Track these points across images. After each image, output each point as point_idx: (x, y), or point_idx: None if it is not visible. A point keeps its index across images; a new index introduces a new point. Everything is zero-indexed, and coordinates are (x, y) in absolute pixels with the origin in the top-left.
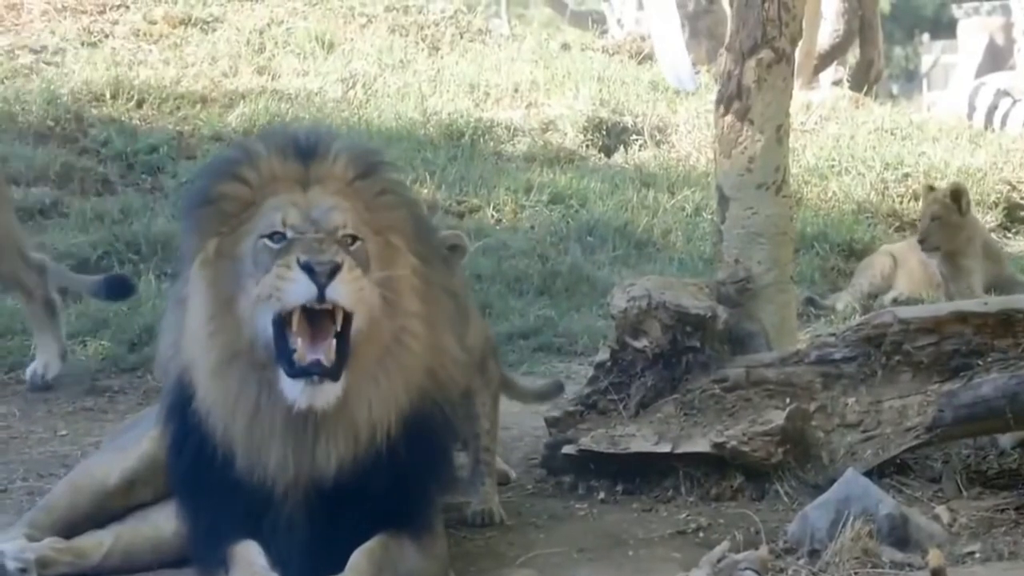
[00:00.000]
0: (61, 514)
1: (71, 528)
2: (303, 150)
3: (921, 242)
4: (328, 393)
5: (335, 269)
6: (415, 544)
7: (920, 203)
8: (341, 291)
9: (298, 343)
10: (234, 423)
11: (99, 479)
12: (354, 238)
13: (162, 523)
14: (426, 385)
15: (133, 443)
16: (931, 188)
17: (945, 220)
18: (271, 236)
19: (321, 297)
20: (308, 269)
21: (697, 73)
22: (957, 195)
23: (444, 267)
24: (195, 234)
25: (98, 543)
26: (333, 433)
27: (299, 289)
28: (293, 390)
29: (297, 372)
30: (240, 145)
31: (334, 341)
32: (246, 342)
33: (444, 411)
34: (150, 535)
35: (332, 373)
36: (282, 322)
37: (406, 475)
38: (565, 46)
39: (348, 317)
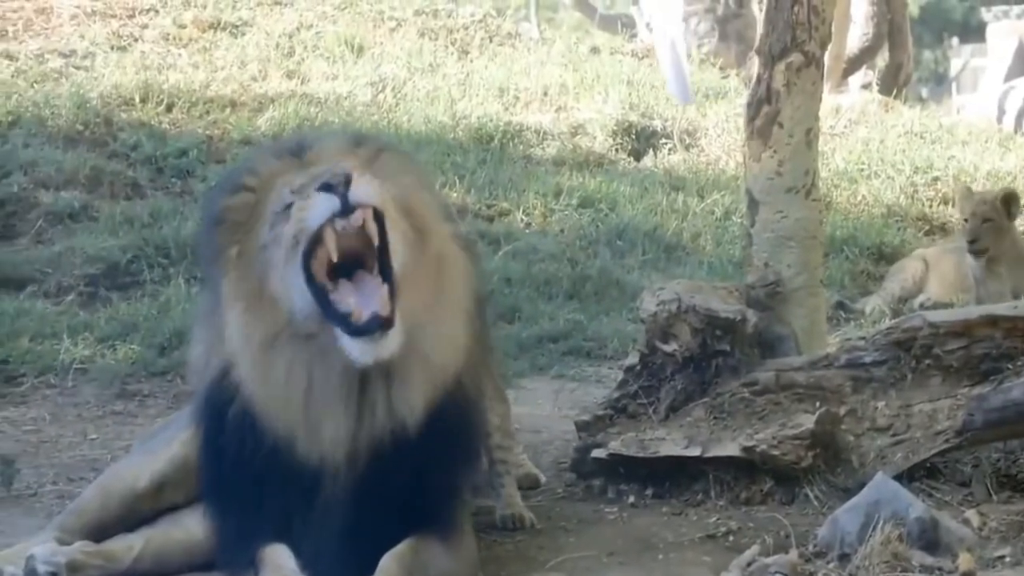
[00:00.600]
0: (91, 518)
1: (101, 532)
2: (297, 146)
3: (971, 243)
4: (391, 341)
5: (349, 177)
6: (445, 546)
7: (958, 204)
8: (363, 191)
9: (350, 302)
10: (289, 401)
11: (129, 482)
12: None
13: (193, 527)
14: (473, 326)
15: (163, 446)
16: (969, 190)
17: (996, 223)
18: (284, 207)
19: (346, 205)
20: (325, 188)
21: (725, 77)
22: (1008, 200)
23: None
24: (215, 252)
25: (128, 547)
26: (405, 378)
27: (321, 206)
28: (356, 349)
29: (358, 331)
30: (241, 160)
31: (384, 287)
32: (284, 318)
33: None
34: (180, 538)
35: (390, 320)
36: (322, 290)
37: (448, 447)
38: (594, 50)
39: (385, 249)
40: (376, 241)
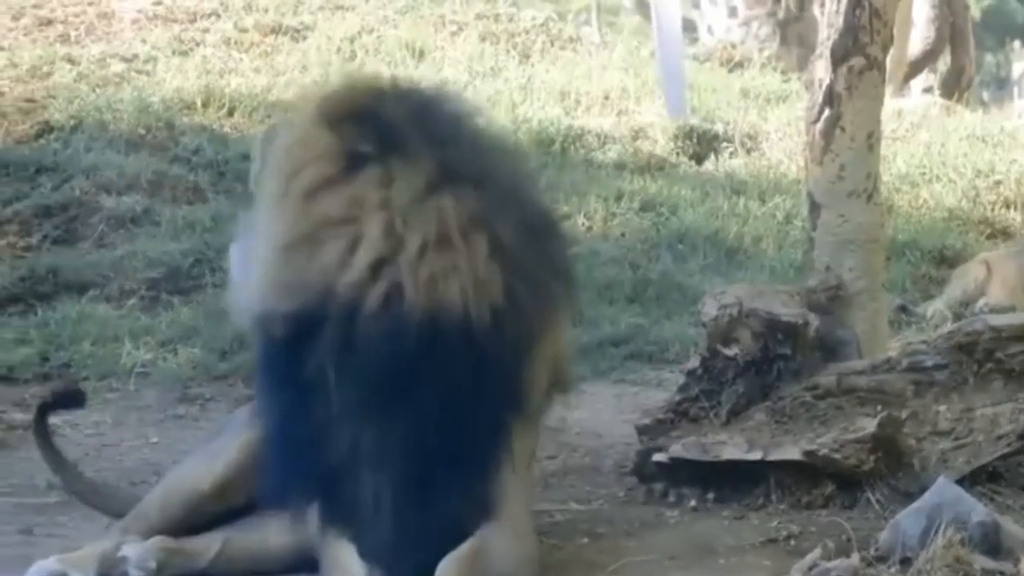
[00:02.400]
0: (153, 521)
1: (164, 535)
2: None
3: None
4: None
5: None
6: (506, 546)
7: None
8: None
9: None
10: None
11: (190, 486)
12: None
13: (270, 535)
14: None
15: (223, 450)
16: None
17: None
18: None
19: None
20: None
21: (786, 81)
22: None
23: None
24: None
25: (207, 547)
26: None
27: None
28: None
29: None
30: None
31: None
32: None
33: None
34: (255, 545)
35: None
36: None
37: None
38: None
39: None
40: None
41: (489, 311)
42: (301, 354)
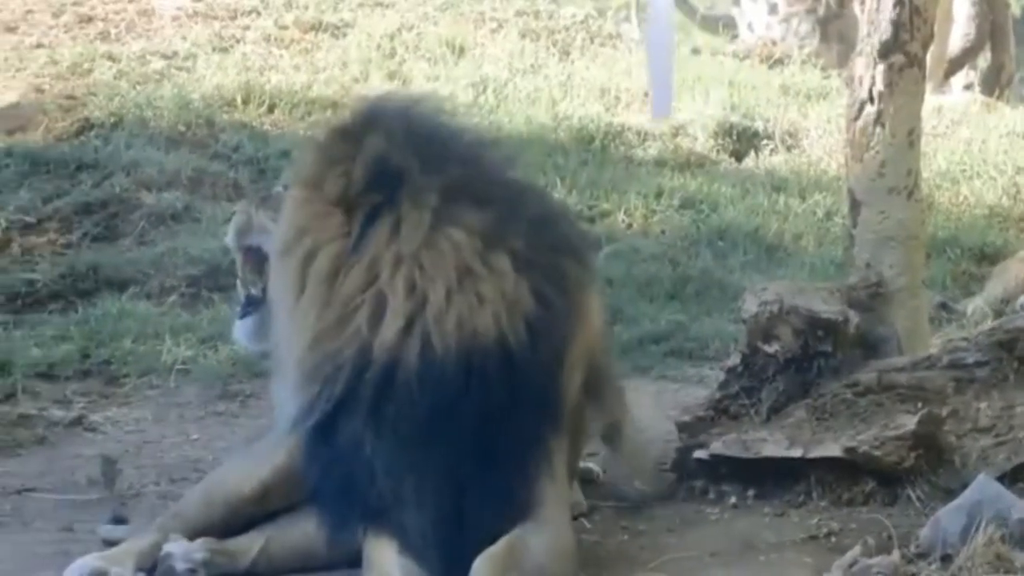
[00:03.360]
0: (194, 521)
1: (202, 535)
2: None
3: None
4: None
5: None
6: (542, 542)
7: None
8: (228, 233)
9: None
10: None
11: (233, 488)
12: (279, 191)
13: (311, 530)
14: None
15: (267, 452)
16: None
17: None
18: None
19: None
20: None
21: (827, 78)
22: None
23: None
24: None
25: (248, 547)
26: None
27: None
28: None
29: None
30: None
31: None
32: None
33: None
34: (298, 541)
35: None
36: None
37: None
38: (696, 51)
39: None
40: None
41: (524, 324)
42: (342, 422)
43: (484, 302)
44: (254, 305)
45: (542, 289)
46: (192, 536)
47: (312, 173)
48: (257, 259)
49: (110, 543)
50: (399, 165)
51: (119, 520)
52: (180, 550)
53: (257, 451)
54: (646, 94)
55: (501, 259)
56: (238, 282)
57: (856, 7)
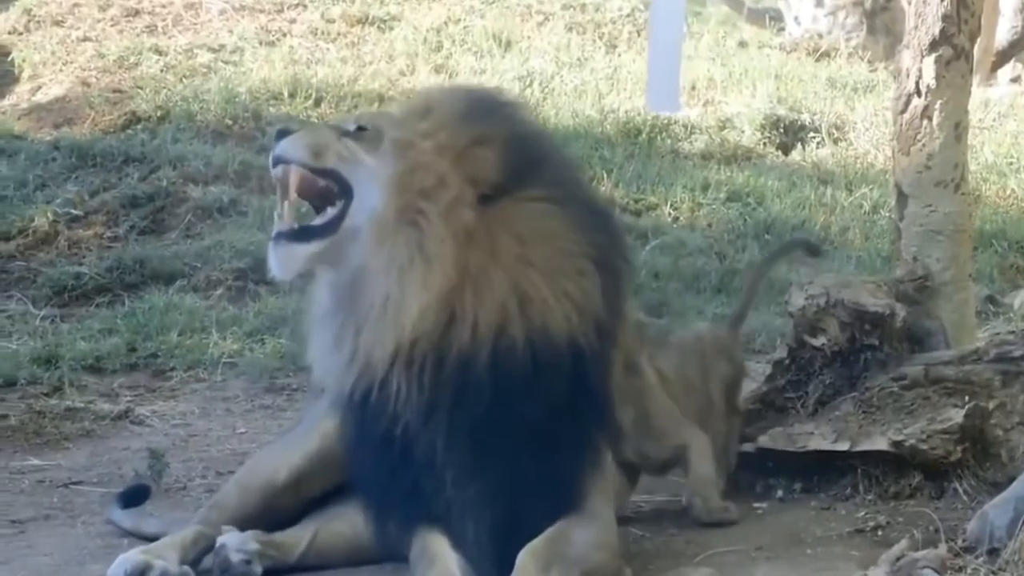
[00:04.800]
0: (231, 512)
1: (241, 526)
2: None
3: None
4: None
5: (284, 132)
6: (585, 535)
7: None
8: (284, 146)
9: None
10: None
11: (267, 477)
12: (361, 128)
13: (361, 524)
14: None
15: (300, 440)
16: None
17: None
18: None
19: (274, 161)
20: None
21: (873, 71)
22: None
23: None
24: None
25: (296, 540)
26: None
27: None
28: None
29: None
30: None
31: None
32: None
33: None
34: (346, 533)
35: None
36: None
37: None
38: (742, 44)
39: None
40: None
41: (593, 326)
42: (404, 416)
43: (565, 300)
44: (315, 235)
45: (608, 291)
46: (235, 528)
47: (452, 140)
48: (337, 188)
49: (149, 538)
50: (521, 156)
51: (137, 495)
52: (234, 541)
53: (291, 439)
54: (692, 87)
55: (585, 258)
56: (284, 204)
57: (903, 0)
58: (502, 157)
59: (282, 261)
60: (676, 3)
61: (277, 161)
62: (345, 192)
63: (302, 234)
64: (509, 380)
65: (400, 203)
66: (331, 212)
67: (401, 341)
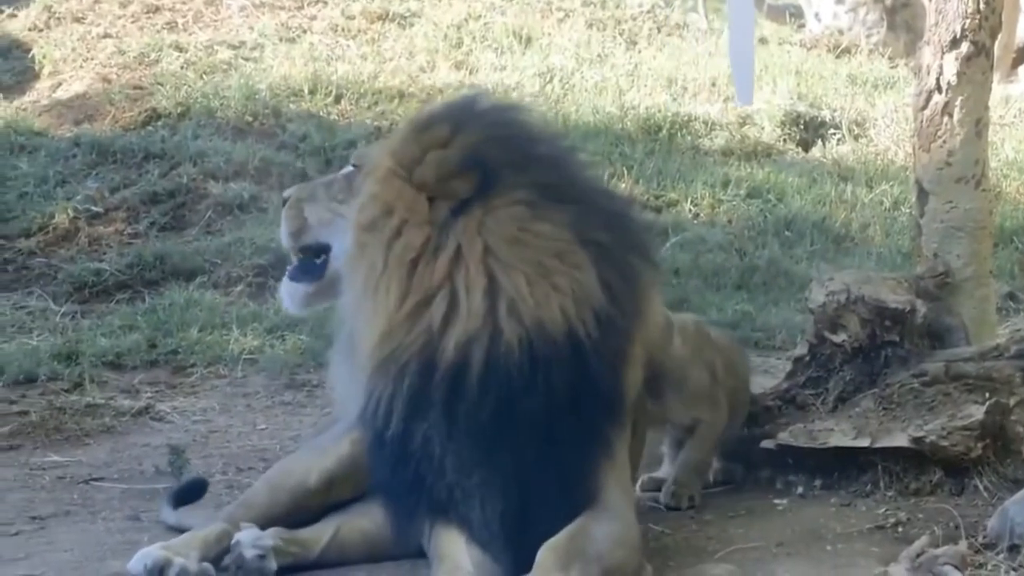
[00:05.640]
0: (260, 511)
1: (268, 525)
2: None
3: None
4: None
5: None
6: (606, 531)
7: None
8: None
9: None
10: None
11: (299, 478)
12: (355, 166)
13: (383, 521)
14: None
15: (332, 443)
16: None
17: None
18: None
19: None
20: None
21: (894, 67)
22: None
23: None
24: None
25: (318, 536)
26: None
27: None
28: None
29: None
30: None
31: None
32: None
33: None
34: (368, 529)
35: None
36: None
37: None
38: (763, 40)
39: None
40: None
41: (593, 316)
42: (409, 418)
43: (557, 293)
44: (310, 275)
45: (612, 283)
46: (260, 527)
47: (405, 153)
48: (317, 253)
49: (179, 530)
50: (494, 160)
51: (193, 489)
52: (249, 537)
53: (322, 442)
54: (713, 84)
55: (579, 253)
56: (287, 236)
57: None
58: (464, 158)
59: (288, 296)
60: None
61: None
62: (326, 249)
63: (298, 274)
64: (507, 377)
65: (356, 240)
66: (322, 258)
67: (376, 360)
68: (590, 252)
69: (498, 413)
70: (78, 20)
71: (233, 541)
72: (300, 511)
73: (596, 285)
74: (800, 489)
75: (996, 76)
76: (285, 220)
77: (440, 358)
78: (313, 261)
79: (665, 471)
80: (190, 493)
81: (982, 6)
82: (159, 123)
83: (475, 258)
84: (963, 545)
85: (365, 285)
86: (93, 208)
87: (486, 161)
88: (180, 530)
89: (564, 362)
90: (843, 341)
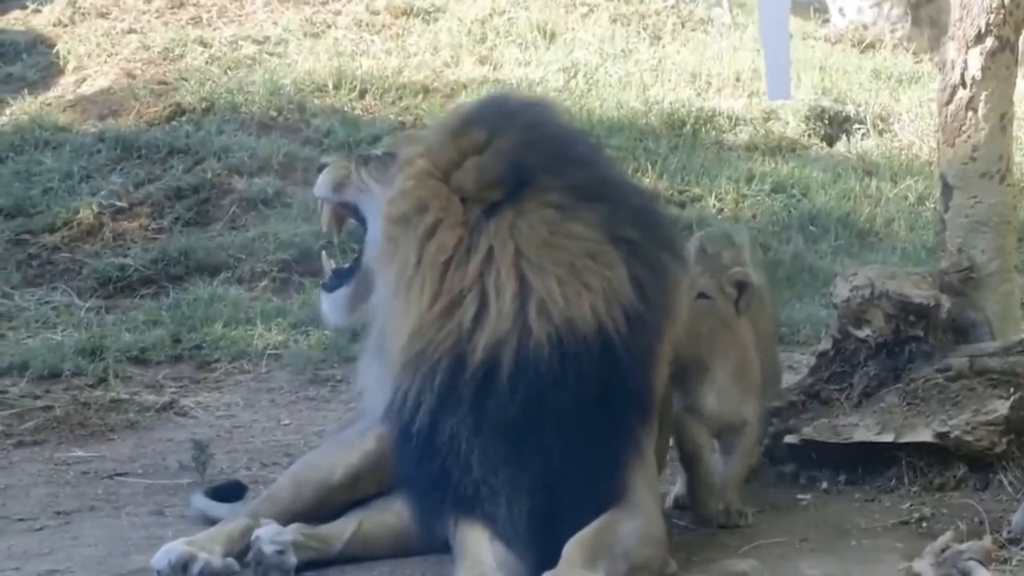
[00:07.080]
0: (284, 507)
1: (293, 520)
2: None
3: None
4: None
5: (321, 167)
6: (632, 527)
7: None
8: (317, 181)
9: None
10: None
11: (324, 474)
12: (387, 153)
13: (406, 515)
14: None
15: (357, 439)
16: None
17: None
18: None
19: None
20: None
21: (919, 62)
22: None
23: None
24: None
25: (341, 531)
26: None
27: None
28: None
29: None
30: None
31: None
32: None
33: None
34: (392, 523)
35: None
36: None
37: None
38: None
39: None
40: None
41: (623, 313)
42: (437, 415)
43: (587, 292)
44: (344, 277)
45: (643, 281)
46: (284, 522)
47: (442, 156)
48: (353, 217)
49: (210, 521)
50: (530, 164)
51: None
52: (268, 533)
53: (347, 437)
54: (737, 79)
55: (610, 252)
56: (329, 186)
57: None
58: (502, 165)
59: (329, 310)
60: None
61: (316, 196)
62: (363, 224)
63: (335, 280)
64: (536, 375)
65: (386, 233)
66: (356, 251)
67: (405, 356)
68: (621, 250)
69: (527, 410)
70: (102, 15)
71: (253, 537)
72: (324, 507)
73: (627, 283)
74: (824, 484)
75: (1021, 71)
76: (329, 170)
77: (470, 357)
78: (342, 266)
79: (679, 488)
80: (228, 494)
81: (1007, 1)
82: (183, 118)
83: (506, 261)
84: (987, 540)
85: (397, 283)
86: (117, 203)
87: (523, 165)
88: (206, 518)
89: (594, 359)
90: (867, 336)
